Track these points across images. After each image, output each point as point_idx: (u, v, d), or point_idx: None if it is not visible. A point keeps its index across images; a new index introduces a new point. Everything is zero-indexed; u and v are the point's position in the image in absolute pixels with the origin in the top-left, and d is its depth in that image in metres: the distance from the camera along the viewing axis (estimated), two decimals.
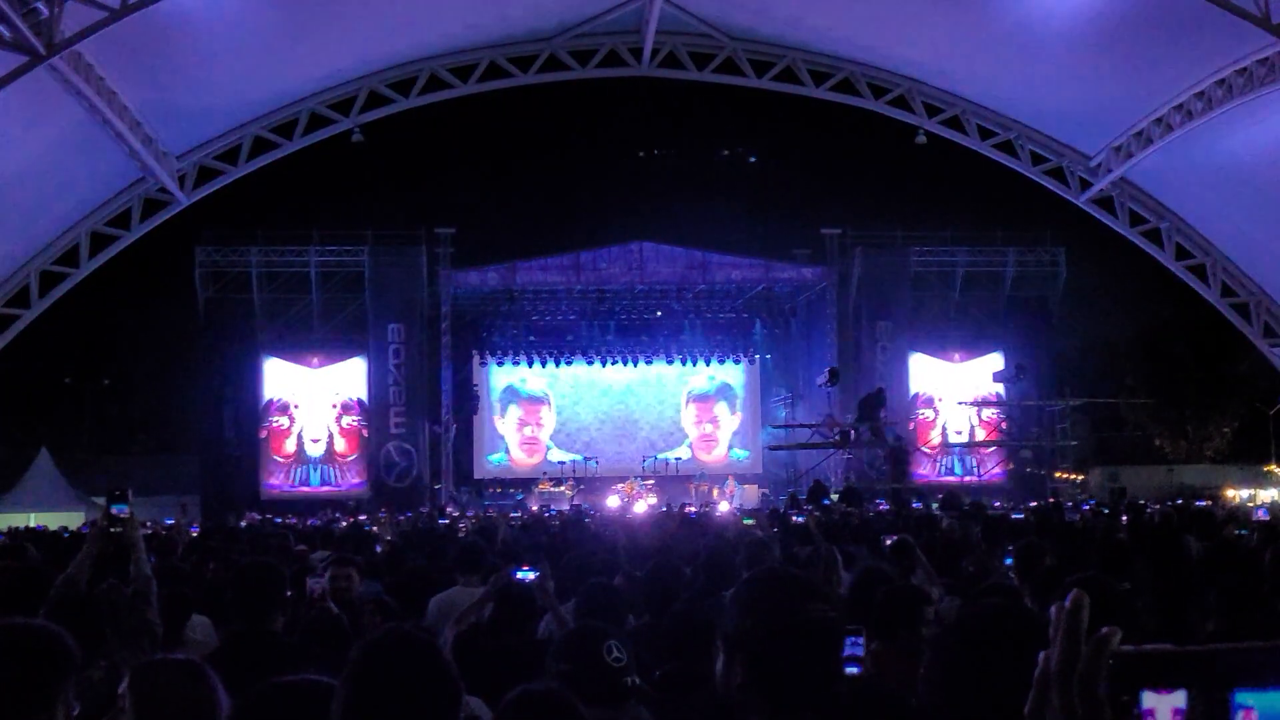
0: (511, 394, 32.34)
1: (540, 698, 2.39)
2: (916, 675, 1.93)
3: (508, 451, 32.41)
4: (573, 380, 32.75)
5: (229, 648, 3.62)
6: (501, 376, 32.19)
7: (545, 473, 31.03)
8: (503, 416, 32.28)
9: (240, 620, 3.73)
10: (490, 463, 32.21)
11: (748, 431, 33.00)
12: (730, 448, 32.82)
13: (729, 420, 32.95)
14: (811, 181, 34.26)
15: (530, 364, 32.39)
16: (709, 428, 32.73)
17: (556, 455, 31.89)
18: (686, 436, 32.77)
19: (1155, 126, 22.20)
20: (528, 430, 32.42)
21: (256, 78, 21.33)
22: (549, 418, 32.58)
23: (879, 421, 27.48)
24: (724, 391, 32.98)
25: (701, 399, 32.85)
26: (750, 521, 9.17)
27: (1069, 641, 0.94)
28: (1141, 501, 17.75)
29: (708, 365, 33.00)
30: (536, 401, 32.47)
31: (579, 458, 31.21)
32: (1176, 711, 0.88)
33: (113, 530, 4.23)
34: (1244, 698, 0.87)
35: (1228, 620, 3.83)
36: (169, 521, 16.66)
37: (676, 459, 31.76)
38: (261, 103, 22.49)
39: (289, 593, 3.95)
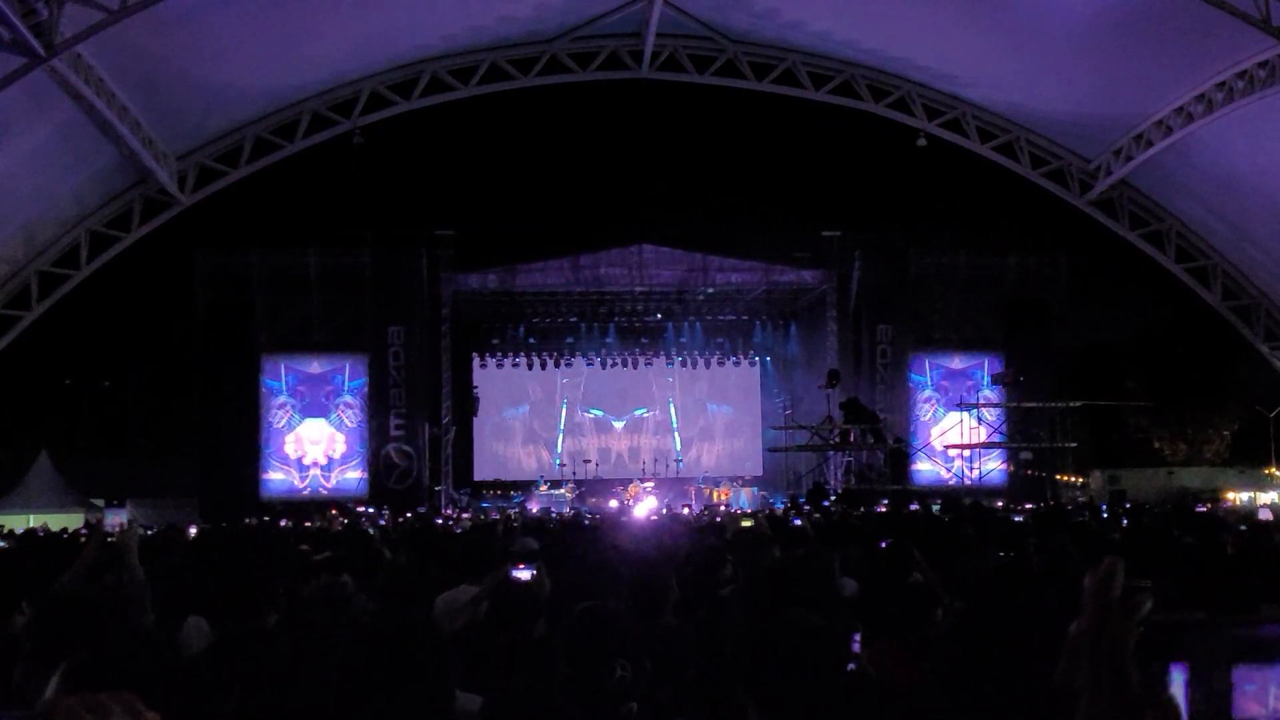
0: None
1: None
2: (918, 673, 1.92)
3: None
4: (573, 381, 32.90)
5: (221, 647, 3.61)
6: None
7: (542, 476, 31.14)
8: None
9: (233, 619, 3.72)
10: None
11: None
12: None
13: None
14: (812, 184, 34.29)
15: (530, 367, 32.45)
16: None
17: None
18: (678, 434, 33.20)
19: (1155, 129, 22.20)
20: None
21: (257, 79, 21.33)
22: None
23: (879, 423, 27.49)
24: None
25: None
26: (749, 524, 9.14)
27: (1098, 609, 0.93)
28: (1143, 504, 17.76)
29: (708, 368, 33.06)
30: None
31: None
32: (1184, 684, 0.87)
33: (109, 539, 4.25)
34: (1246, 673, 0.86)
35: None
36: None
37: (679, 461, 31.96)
38: (262, 104, 22.48)
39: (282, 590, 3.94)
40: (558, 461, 32.32)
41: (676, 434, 33.40)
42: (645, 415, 33.37)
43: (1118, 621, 0.92)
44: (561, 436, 33.14)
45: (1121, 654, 0.91)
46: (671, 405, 33.44)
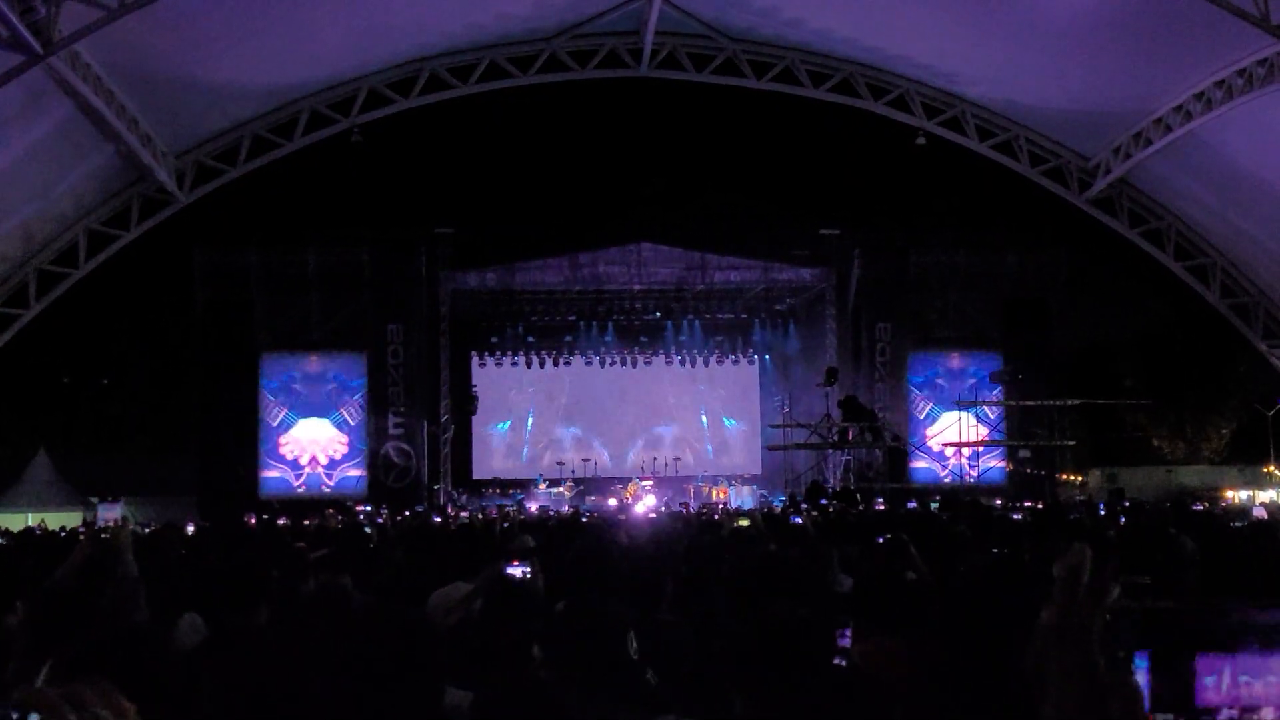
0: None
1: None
2: (912, 669, 1.91)
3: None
4: (573, 380, 32.87)
5: (213, 643, 3.60)
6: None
7: (541, 475, 31.11)
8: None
9: (225, 615, 3.72)
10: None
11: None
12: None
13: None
14: (811, 183, 34.24)
15: (529, 365, 32.42)
16: None
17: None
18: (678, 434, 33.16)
19: (1154, 128, 22.19)
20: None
21: (256, 77, 21.32)
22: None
23: (877, 422, 27.49)
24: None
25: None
26: (745, 522, 9.15)
27: (1066, 597, 0.93)
28: (1142, 503, 17.74)
29: (706, 366, 33.04)
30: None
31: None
32: (1148, 671, 0.88)
33: (103, 535, 4.24)
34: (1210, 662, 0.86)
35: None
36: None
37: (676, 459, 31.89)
38: (260, 102, 22.47)
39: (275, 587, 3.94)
40: (553, 461, 32.26)
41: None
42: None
43: (1085, 609, 0.92)
44: (558, 440, 33.06)
45: (1088, 641, 0.91)
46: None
